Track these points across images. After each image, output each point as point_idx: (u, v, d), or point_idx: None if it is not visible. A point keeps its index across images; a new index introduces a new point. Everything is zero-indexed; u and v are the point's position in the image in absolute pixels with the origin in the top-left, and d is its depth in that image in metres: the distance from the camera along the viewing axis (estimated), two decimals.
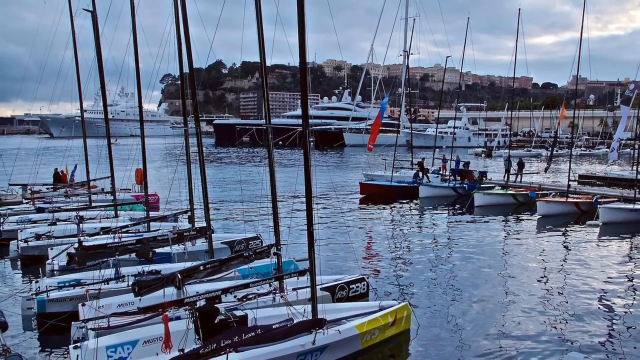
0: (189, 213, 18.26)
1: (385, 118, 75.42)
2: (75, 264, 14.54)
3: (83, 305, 11.77)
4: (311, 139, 10.94)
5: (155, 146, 61.24)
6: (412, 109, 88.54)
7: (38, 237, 18.66)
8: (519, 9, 37.36)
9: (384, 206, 32.91)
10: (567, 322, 13.52)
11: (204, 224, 16.32)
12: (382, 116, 40.30)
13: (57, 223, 20.27)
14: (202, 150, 15.94)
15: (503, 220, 28.72)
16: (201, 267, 11.99)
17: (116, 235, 16.47)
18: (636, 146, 37.29)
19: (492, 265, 19.05)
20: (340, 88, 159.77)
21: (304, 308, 11.26)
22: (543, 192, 33.27)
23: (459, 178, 38.82)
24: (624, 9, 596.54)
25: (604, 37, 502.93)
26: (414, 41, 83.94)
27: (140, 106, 20.88)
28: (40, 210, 23.53)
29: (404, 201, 34.96)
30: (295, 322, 10.57)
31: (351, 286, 14.30)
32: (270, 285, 12.57)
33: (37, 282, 14.04)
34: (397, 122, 59.61)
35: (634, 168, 33.49)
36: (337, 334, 10.73)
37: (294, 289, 12.75)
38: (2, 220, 21.66)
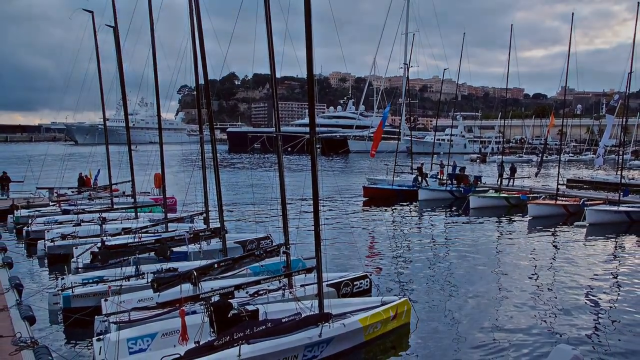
0: (204, 215, 18.26)
1: (387, 126, 75.28)
2: (98, 262, 14.55)
3: (105, 300, 11.77)
4: (318, 146, 10.95)
5: (173, 152, 61.06)
6: (412, 118, 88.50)
7: (64, 237, 18.67)
8: (512, 25, 37.49)
9: (386, 208, 32.85)
10: (556, 316, 13.48)
11: (218, 225, 16.33)
12: (383, 124, 40.34)
13: (82, 224, 20.31)
14: (216, 156, 15.96)
15: (496, 222, 28.63)
16: (215, 265, 11.99)
17: (136, 235, 16.52)
18: (620, 152, 37.18)
19: (487, 264, 19.00)
20: (345, 98, 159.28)
21: (311, 303, 11.25)
22: (534, 195, 33.22)
23: (455, 182, 38.73)
24: (609, 25, 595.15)
25: (591, 51, 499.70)
26: (413, 55, 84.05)
27: (158, 115, 20.90)
28: (65, 212, 23.59)
29: (405, 203, 34.89)
30: (303, 316, 10.58)
31: (355, 283, 14.29)
32: (279, 282, 12.54)
33: (62, 279, 14.11)
34: (397, 130, 59.47)
35: (619, 173, 33.36)
36: (342, 327, 10.73)
37: (302, 286, 12.70)
38: (30, 221, 21.76)
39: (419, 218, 30.57)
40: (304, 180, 12.36)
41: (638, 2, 28.59)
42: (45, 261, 18.19)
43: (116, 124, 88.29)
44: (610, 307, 14.45)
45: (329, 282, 13.37)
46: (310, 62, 10.41)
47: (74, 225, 20.12)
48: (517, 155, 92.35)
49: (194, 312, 10.70)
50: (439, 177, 41.84)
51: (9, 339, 9.64)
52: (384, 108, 51.27)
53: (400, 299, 12.65)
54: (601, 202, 30.04)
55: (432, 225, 28.07)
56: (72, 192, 30.75)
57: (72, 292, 12.83)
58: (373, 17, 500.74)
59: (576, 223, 26.81)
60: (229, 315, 10.13)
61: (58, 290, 13.13)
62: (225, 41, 14.77)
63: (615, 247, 22.72)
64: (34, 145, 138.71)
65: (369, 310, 11.79)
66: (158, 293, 10.93)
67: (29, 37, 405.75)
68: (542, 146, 65.48)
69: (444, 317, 13.35)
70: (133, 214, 22.44)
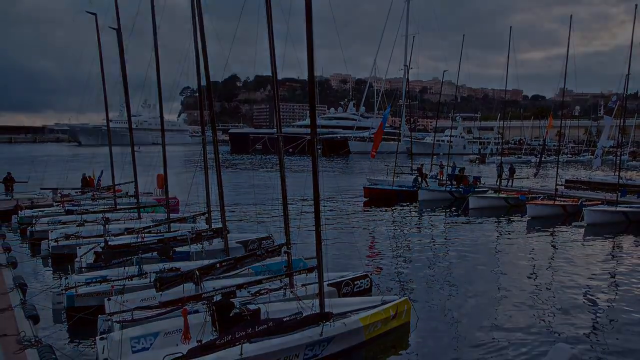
0: (207, 215, 18.28)
1: (387, 127, 75.28)
2: (102, 262, 14.58)
3: (109, 300, 11.77)
4: (319, 147, 10.95)
5: (176, 153, 61.35)
6: (412, 119, 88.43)
7: (67, 237, 18.67)
8: (510, 27, 37.27)
9: (386, 208, 32.82)
10: (554, 316, 13.47)
11: (220, 225, 16.33)
12: (384, 125, 40.24)
13: (85, 224, 20.30)
14: (218, 157, 15.97)
15: (495, 222, 28.63)
16: (217, 265, 12.00)
17: (139, 235, 16.48)
18: (618, 153, 37.18)
19: (486, 263, 19.00)
20: (346, 100, 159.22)
21: (312, 302, 11.23)
22: (532, 195, 33.19)
23: (455, 183, 38.72)
24: (607, 27, 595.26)
25: (589, 53, 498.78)
26: (413, 56, 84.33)
27: (161, 116, 20.88)
28: (69, 212, 23.55)
29: (405, 204, 34.87)
30: (304, 315, 10.57)
31: (355, 282, 14.27)
32: (281, 282, 12.52)
33: (66, 278, 14.06)
34: (398, 131, 59.56)
35: (616, 173, 33.36)
36: (343, 326, 10.73)
37: (303, 285, 12.68)
38: (34, 221, 21.75)
39: (419, 218, 30.55)
40: (305, 181, 12.33)
41: (636, 5, 28.62)
42: (49, 261, 18.19)
43: (119, 125, 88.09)
44: (608, 306, 14.44)
45: (330, 282, 13.35)
46: (311, 63, 10.40)
47: (77, 226, 20.12)
48: (516, 156, 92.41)
49: (196, 312, 10.69)
50: (438, 177, 41.78)
51: (14, 337, 9.66)
52: (384, 109, 51.24)
53: (400, 298, 12.63)
54: (599, 202, 30.02)
55: (432, 225, 28.05)
56: (76, 192, 30.74)
57: (76, 291, 12.82)
58: (373, 19, 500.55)
59: (574, 223, 26.81)
60: (231, 315, 10.14)
61: (62, 290, 13.13)
62: (227, 43, 14.78)
63: (613, 247, 22.70)
64: (38, 146, 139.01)
65: (369, 309, 11.78)
66: (161, 292, 10.94)
67: (32, 38, 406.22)
68: (541, 147, 65.51)
69: (443, 317, 13.35)
70: (136, 214, 22.44)
